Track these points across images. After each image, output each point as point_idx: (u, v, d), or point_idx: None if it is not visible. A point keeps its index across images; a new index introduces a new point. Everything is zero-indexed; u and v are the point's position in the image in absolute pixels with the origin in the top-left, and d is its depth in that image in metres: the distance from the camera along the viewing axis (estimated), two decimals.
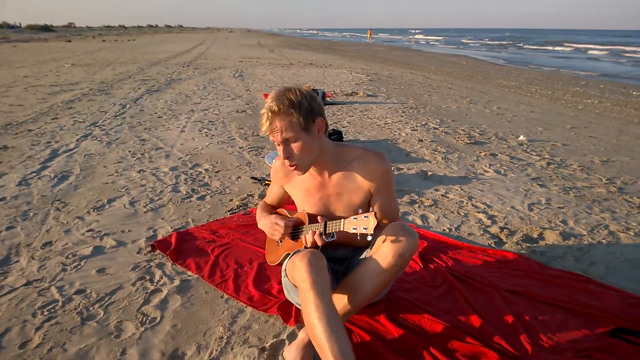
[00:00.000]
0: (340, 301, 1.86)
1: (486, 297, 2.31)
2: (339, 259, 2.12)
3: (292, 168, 1.86)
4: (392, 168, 4.31)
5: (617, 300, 2.29)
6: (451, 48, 38.42)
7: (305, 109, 1.75)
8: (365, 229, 1.68)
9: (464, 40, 57.57)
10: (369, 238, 1.68)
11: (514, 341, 1.98)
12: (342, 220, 1.77)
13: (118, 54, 21.92)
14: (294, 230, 2.07)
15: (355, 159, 1.95)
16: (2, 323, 2.10)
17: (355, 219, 1.72)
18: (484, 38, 65.55)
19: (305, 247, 1.90)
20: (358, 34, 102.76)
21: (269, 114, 1.73)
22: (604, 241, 2.98)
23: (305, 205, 2.05)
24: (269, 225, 2.03)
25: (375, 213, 1.69)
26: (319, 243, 1.82)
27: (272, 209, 2.26)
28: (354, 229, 1.71)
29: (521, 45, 44.51)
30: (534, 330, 2.07)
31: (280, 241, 2.18)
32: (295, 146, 1.79)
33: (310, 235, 1.84)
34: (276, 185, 2.20)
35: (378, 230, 1.77)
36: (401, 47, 39.69)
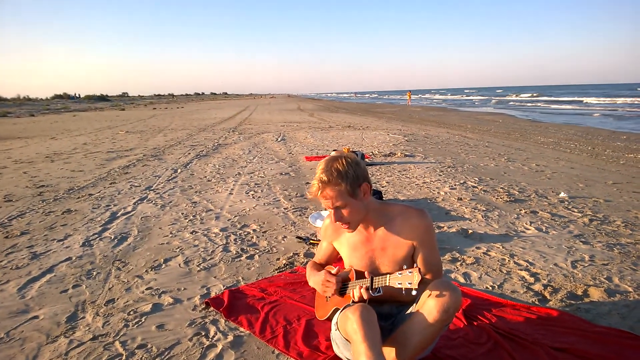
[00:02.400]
0: (389, 355, 1.96)
1: (532, 355, 2.34)
2: (384, 315, 2.23)
3: (345, 227, 2.06)
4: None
5: None
6: (485, 107, 38.68)
7: (351, 178, 1.97)
8: (410, 283, 1.81)
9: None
10: (414, 292, 1.81)
11: None
12: (388, 275, 1.92)
13: (168, 121, 23.19)
14: (342, 287, 2.21)
15: (398, 215, 2.12)
16: None
17: (400, 274, 1.86)
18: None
19: (353, 302, 2.04)
20: (393, 95, 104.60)
21: (320, 184, 1.96)
22: None
23: (352, 259, 2.20)
24: (320, 282, 2.19)
25: (419, 269, 1.82)
26: (366, 297, 1.96)
27: (320, 267, 2.42)
28: (399, 283, 1.85)
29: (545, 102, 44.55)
30: None
31: (329, 298, 2.32)
32: (345, 211, 2.00)
33: (357, 290, 1.99)
34: (325, 242, 2.37)
35: (422, 285, 1.90)
36: (437, 107, 40.22)
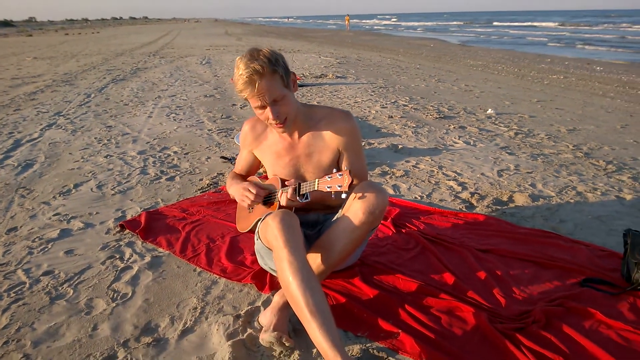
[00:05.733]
0: (314, 261, 1.85)
1: (459, 257, 2.34)
2: (311, 223, 2.12)
3: (280, 126, 1.84)
4: (364, 144, 4.33)
5: (586, 253, 2.35)
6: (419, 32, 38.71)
7: (282, 65, 1.75)
8: (340, 186, 1.66)
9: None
10: (344, 196, 1.67)
11: (487, 295, 2.01)
12: (316, 180, 1.76)
13: (82, 47, 21.28)
14: (266, 197, 2.05)
15: (323, 119, 1.95)
16: None
17: (329, 177, 1.71)
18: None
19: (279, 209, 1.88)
20: (328, 21, 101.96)
21: (254, 76, 1.68)
22: (572, 201, 3.04)
23: (275, 168, 2.03)
24: (240, 191, 1.99)
25: (349, 171, 1.68)
26: (292, 198, 1.79)
27: (242, 178, 2.23)
28: (328, 187, 1.70)
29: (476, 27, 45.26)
30: (506, 284, 2.11)
31: (252, 208, 2.16)
32: (282, 104, 1.77)
33: (283, 196, 1.82)
34: (245, 150, 2.17)
35: (350, 190, 1.76)
36: (369, 32, 39.67)
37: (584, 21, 48.64)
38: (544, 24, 44.66)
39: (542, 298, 1.99)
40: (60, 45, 23.24)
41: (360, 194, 1.78)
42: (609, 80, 9.60)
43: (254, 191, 1.94)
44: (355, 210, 1.78)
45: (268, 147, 2.06)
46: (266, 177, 2.15)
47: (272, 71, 1.70)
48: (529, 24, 46.45)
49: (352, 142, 1.97)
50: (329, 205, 2.05)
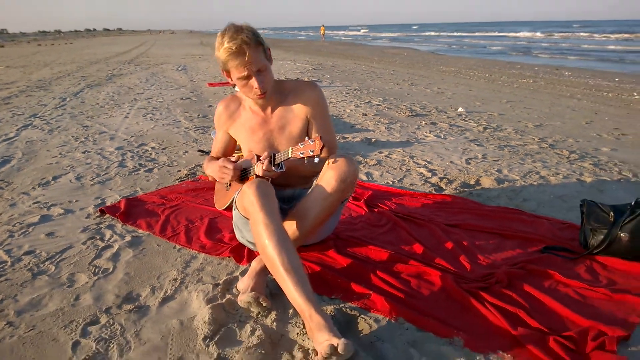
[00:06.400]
0: (289, 229, 1.94)
1: (428, 231, 2.46)
2: (287, 198, 2.21)
3: (262, 96, 1.96)
4: (338, 138, 4.45)
5: (547, 226, 2.49)
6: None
7: (262, 39, 1.90)
8: (312, 151, 1.76)
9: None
10: (316, 160, 1.77)
11: (453, 261, 2.13)
12: (290, 148, 1.86)
13: (55, 56, 21.04)
14: (242, 172, 2.13)
15: (291, 91, 2.09)
16: None
17: (302, 144, 1.81)
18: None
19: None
20: (300, 32, 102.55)
21: (244, 46, 1.82)
22: (535, 183, 3.20)
23: (250, 143, 2.12)
24: (217, 168, 2.08)
25: (321, 137, 1.78)
26: (269, 169, 1.89)
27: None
28: (301, 153, 1.79)
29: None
30: (471, 252, 2.23)
31: (229, 185, 2.24)
32: (265, 74, 1.92)
33: (259, 167, 1.91)
34: (221, 131, 2.26)
35: (321, 163, 1.88)
36: (344, 42, 40.11)
37: (552, 31, 50.03)
38: (512, 34, 45.79)
39: (505, 263, 2.12)
40: (33, 55, 22.93)
41: (332, 162, 1.89)
42: (576, 83, 9.94)
43: (230, 167, 2.03)
44: (327, 178, 1.88)
45: (242, 124, 2.16)
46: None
47: (257, 42, 1.86)
48: (501, 34, 47.59)
49: (319, 111, 2.10)
50: (304, 176, 2.16)
